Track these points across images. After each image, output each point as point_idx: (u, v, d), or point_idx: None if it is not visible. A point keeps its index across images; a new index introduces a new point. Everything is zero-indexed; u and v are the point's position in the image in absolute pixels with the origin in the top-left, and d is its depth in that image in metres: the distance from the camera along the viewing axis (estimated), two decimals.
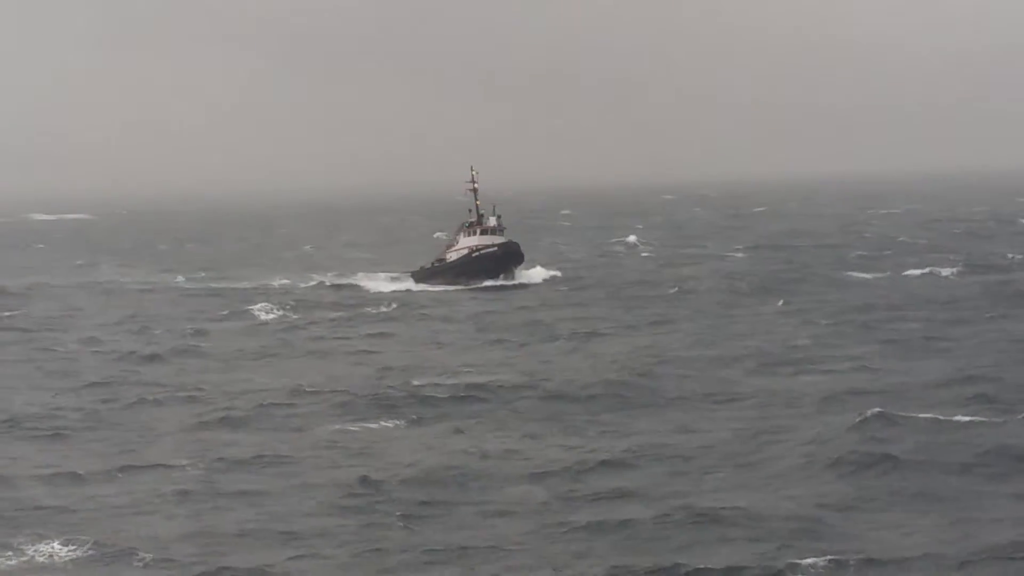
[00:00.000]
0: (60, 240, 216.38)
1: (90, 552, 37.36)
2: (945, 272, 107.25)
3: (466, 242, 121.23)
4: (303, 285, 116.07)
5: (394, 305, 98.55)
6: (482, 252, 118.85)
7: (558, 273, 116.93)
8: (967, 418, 49.34)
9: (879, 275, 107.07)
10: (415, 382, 61.59)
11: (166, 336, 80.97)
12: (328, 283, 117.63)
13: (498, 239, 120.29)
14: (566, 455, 46.55)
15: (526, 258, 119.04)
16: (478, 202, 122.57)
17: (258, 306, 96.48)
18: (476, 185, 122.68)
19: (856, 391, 55.57)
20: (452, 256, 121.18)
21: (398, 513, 40.27)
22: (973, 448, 45.32)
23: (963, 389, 55.15)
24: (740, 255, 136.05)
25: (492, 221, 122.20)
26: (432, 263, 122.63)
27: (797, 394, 55.87)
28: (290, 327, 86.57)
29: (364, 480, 43.72)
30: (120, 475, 45.94)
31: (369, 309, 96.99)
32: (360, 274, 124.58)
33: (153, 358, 72.22)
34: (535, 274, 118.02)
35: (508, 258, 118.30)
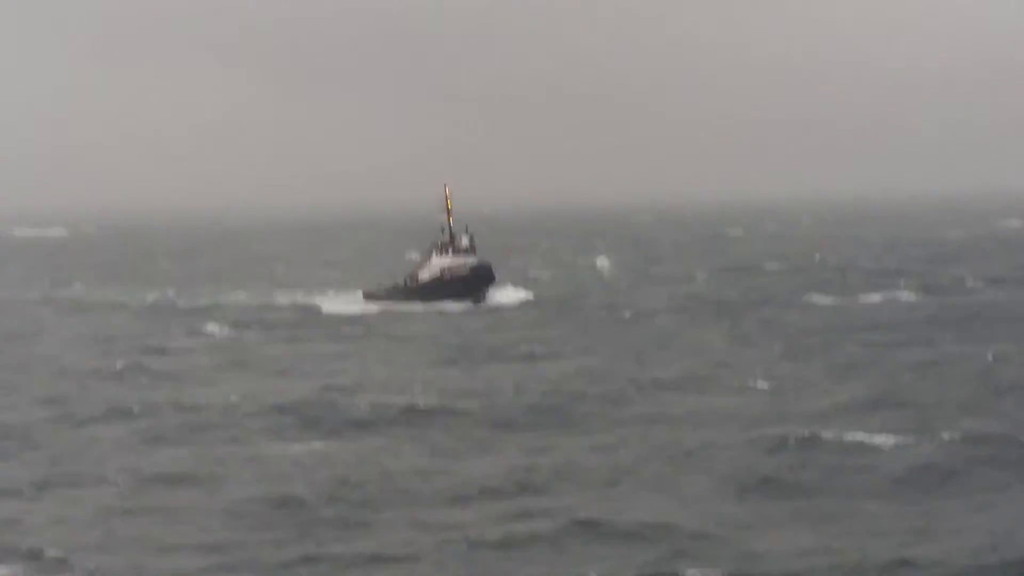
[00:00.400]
0: (37, 256, 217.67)
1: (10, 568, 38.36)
2: (904, 296, 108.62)
3: (438, 262, 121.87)
4: (265, 303, 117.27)
5: (356, 325, 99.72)
6: (454, 273, 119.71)
7: (529, 295, 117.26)
8: (884, 439, 50.50)
9: (837, 299, 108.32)
10: (354, 400, 62.76)
11: (122, 353, 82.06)
12: (294, 302, 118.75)
13: (470, 259, 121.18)
14: (487, 473, 47.72)
15: (498, 278, 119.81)
16: (451, 221, 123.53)
17: (216, 324, 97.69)
18: (450, 205, 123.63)
19: (781, 413, 56.81)
20: (424, 276, 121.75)
21: (318, 529, 41.39)
22: (883, 470, 46.54)
23: (887, 412, 56.41)
24: (703, 278, 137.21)
25: (464, 241, 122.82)
26: (404, 281, 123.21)
27: (723, 415, 57.09)
28: (243, 346, 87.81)
29: (287, 497, 44.76)
30: (46, 490, 46.98)
31: (326, 329, 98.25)
32: (330, 292, 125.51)
33: (103, 374, 73.43)
34: (506, 295, 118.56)
35: (480, 279, 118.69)
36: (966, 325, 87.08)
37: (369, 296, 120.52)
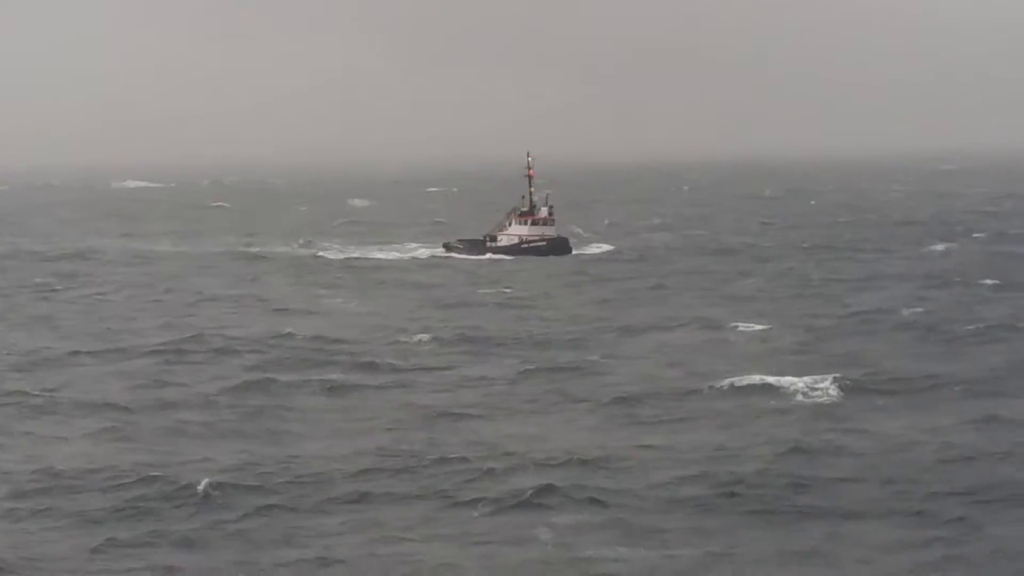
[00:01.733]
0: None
1: None
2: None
3: (517, 230, 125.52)
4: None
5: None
6: (531, 244, 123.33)
7: (611, 247, 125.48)
8: None
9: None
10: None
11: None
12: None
13: (548, 231, 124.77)
14: None
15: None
16: (532, 189, 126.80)
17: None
18: (532, 171, 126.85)
19: None
20: (502, 240, 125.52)
21: None
22: None
23: None
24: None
25: (544, 212, 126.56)
26: (484, 238, 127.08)
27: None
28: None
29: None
30: None
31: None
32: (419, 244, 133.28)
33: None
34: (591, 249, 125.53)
35: (555, 250, 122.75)
36: None
37: (449, 248, 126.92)
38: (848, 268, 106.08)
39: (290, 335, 71.10)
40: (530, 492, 41.08)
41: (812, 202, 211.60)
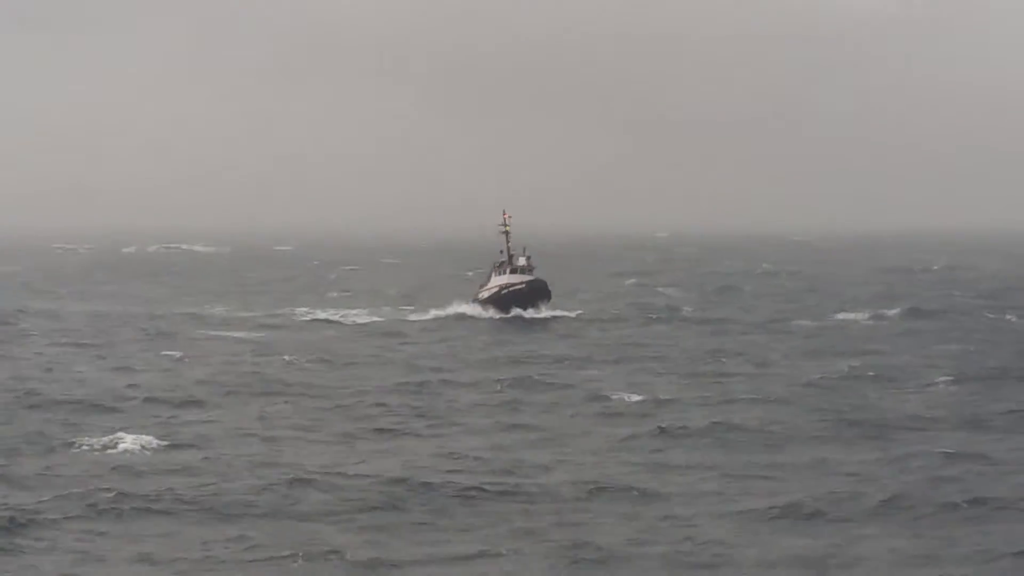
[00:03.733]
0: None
1: None
2: None
3: (496, 280, 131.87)
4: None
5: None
6: (511, 289, 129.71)
7: (570, 314, 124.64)
8: None
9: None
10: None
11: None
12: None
13: (527, 277, 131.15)
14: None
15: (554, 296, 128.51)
16: (509, 243, 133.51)
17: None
18: (508, 227, 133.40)
19: None
20: (484, 295, 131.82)
21: None
22: None
23: None
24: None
25: (522, 261, 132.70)
26: (470, 301, 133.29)
27: None
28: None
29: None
30: None
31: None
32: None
33: None
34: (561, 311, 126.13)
35: (535, 294, 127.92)
36: None
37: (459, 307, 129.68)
38: None
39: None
40: None
41: None
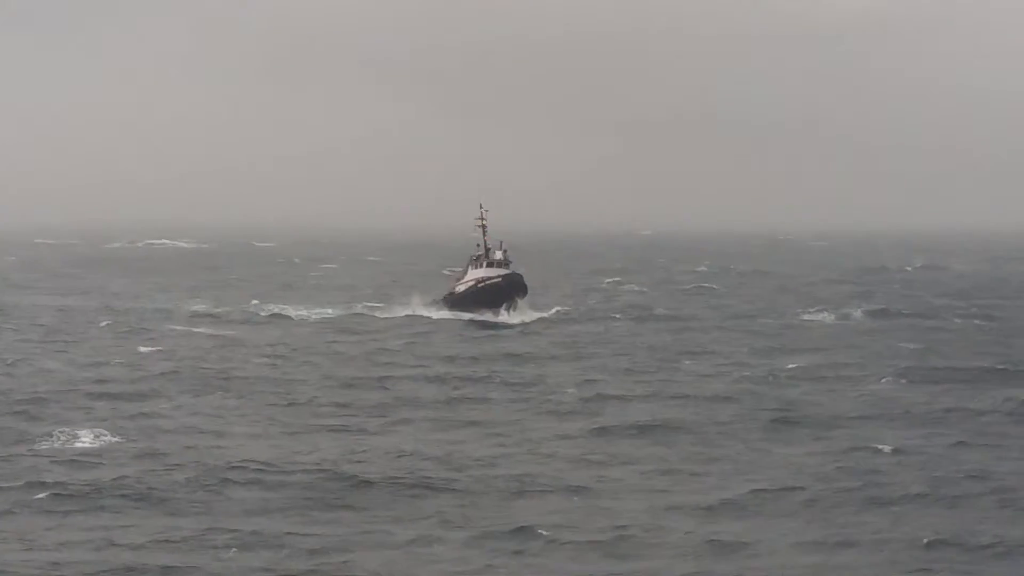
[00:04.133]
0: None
1: None
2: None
3: (473, 274, 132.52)
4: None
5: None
6: (488, 282, 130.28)
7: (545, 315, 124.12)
8: None
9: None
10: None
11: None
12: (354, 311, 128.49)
13: (503, 271, 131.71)
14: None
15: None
16: (486, 237, 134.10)
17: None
18: (484, 221, 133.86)
19: None
20: (460, 288, 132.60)
21: None
22: None
23: None
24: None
25: (498, 255, 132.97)
26: (444, 296, 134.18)
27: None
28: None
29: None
30: None
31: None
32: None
33: None
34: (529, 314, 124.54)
35: (511, 288, 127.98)
36: None
37: (431, 304, 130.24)
38: None
39: None
40: None
41: None
